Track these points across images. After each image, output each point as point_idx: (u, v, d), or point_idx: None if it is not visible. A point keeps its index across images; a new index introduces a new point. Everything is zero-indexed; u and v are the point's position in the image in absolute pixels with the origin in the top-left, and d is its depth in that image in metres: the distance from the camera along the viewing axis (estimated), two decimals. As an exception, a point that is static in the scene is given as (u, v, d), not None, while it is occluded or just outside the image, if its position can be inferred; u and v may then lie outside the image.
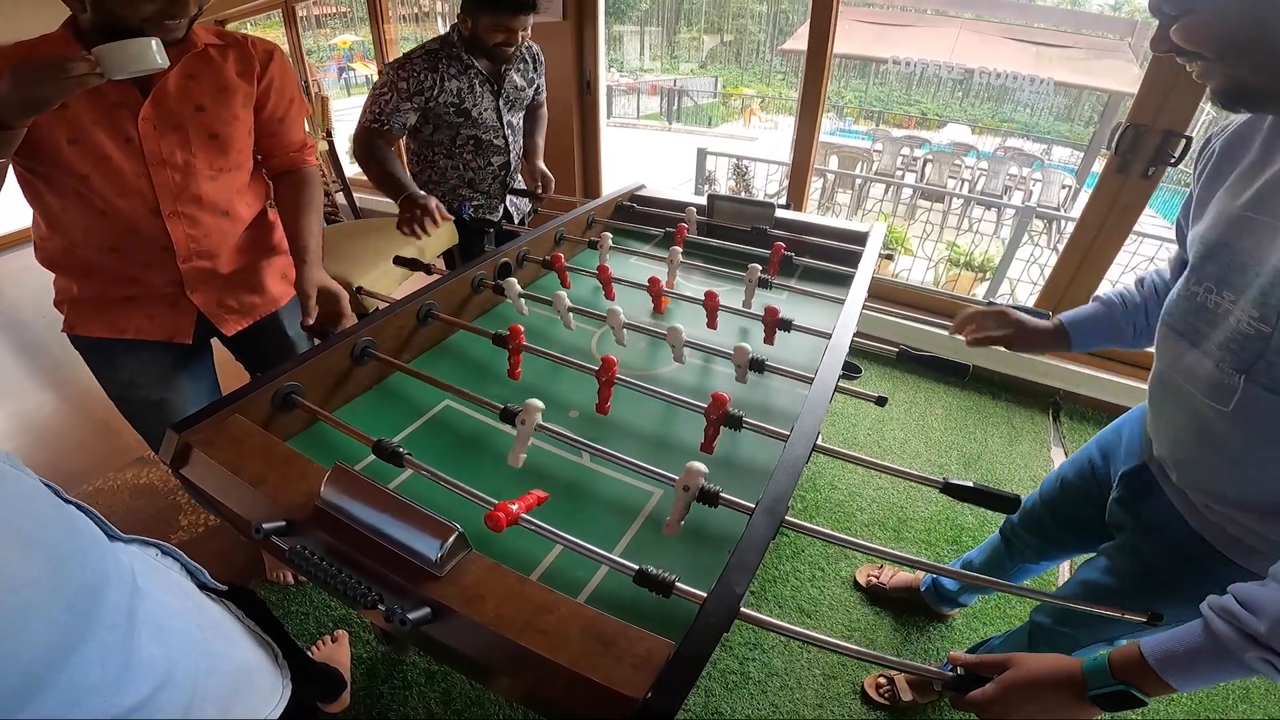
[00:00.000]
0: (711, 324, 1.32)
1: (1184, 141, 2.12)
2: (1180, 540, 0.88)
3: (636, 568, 0.74)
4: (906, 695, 1.51)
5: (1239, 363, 0.71)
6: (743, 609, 0.70)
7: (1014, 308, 1.38)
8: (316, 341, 1.32)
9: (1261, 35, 0.63)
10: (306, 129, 1.43)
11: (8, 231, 4.05)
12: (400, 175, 1.77)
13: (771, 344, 1.29)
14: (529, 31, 1.85)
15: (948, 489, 0.89)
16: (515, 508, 0.77)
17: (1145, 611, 0.73)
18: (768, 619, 0.72)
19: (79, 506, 0.57)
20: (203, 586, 0.75)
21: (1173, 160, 2.16)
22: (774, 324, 1.25)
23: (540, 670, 0.66)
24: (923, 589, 1.72)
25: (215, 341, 1.45)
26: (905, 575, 1.80)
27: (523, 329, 1.17)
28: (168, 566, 0.71)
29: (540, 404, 0.95)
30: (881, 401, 1.08)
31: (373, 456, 0.94)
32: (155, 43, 0.95)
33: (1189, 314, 0.81)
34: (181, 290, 1.26)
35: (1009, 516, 1.39)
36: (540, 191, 2.08)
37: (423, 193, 1.70)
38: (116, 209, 1.14)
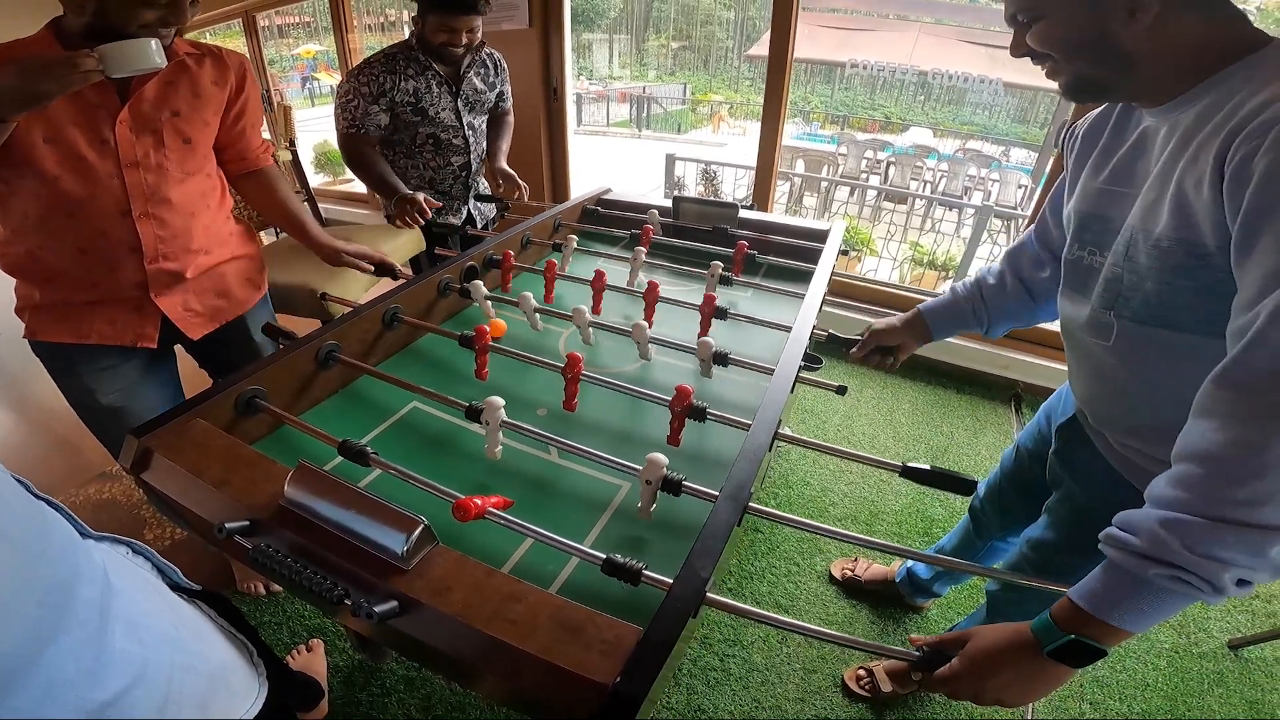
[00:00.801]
0: (647, 316, 1.35)
1: None
2: (1106, 481, 0.95)
3: (604, 557, 0.75)
4: (886, 686, 1.53)
5: (1106, 302, 0.84)
6: (710, 594, 0.71)
7: None
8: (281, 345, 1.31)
9: (1100, 36, 0.74)
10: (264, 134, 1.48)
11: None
12: (391, 178, 1.87)
13: (705, 334, 1.30)
14: (477, 34, 1.88)
15: (906, 473, 0.91)
16: (481, 502, 0.78)
17: (1064, 583, 0.72)
18: (737, 604, 0.73)
19: (49, 502, 0.57)
20: (175, 586, 0.74)
21: None
22: (710, 314, 1.28)
23: (510, 660, 0.66)
24: (898, 580, 1.74)
25: (180, 351, 1.43)
26: (880, 568, 1.82)
27: (488, 330, 1.17)
28: (139, 565, 0.70)
29: (501, 400, 0.97)
30: (841, 390, 1.11)
31: (339, 458, 0.94)
32: (155, 43, 0.99)
33: (1075, 274, 0.93)
34: (146, 294, 1.26)
35: (975, 493, 1.41)
36: (503, 191, 2.09)
37: (410, 192, 1.79)
38: (86, 210, 1.14)
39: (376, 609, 0.66)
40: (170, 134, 1.19)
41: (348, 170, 2.01)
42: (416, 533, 0.72)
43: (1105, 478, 0.96)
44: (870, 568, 1.83)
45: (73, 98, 1.06)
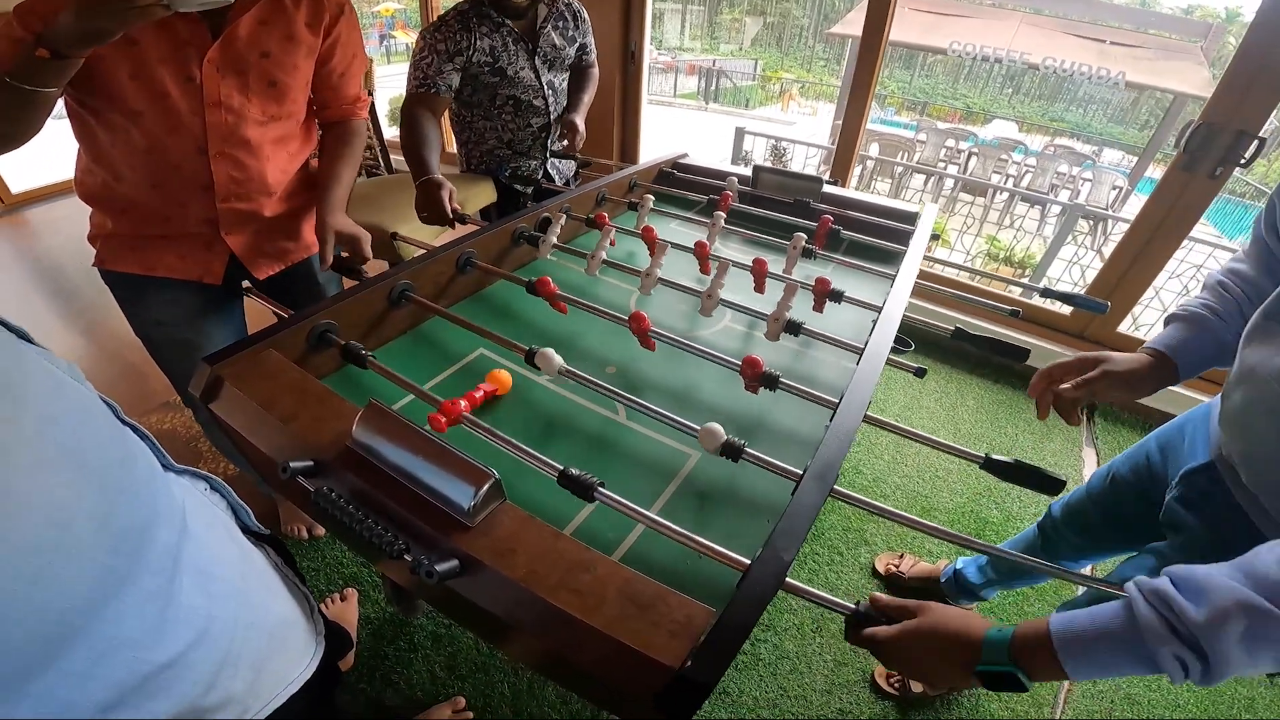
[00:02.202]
0: (759, 288, 1.28)
1: (1256, 143, 2.02)
2: (1244, 543, 0.81)
3: (560, 469, 0.75)
4: (917, 687, 1.48)
5: None
6: (788, 579, 0.66)
7: (1063, 296, 1.30)
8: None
9: None
10: (362, 85, 1.43)
11: (49, 183, 4.11)
12: (427, 157, 1.68)
13: (820, 311, 1.24)
14: None
15: (989, 465, 0.85)
16: (463, 404, 0.79)
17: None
18: (811, 590, 0.68)
19: (135, 429, 0.54)
20: (245, 529, 0.71)
21: (1243, 161, 2.06)
22: (824, 294, 1.20)
23: (570, 632, 0.62)
24: (942, 580, 1.67)
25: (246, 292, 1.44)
26: (925, 565, 1.76)
27: (550, 279, 1.15)
28: (214, 504, 0.68)
29: (554, 353, 0.95)
30: (920, 373, 1.04)
31: (410, 397, 0.92)
32: None
33: None
34: (216, 231, 1.26)
35: (1050, 510, 1.34)
36: (566, 144, 2.01)
37: (438, 177, 1.60)
38: (164, 146, 1.14)
39: (438, 568, 0.63)
40: (256, 76, 1.17)
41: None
42: (486, 487, 0.68)
43: (1247, 537, 0.78)
44: (916, 565, 1.77)
45: (163, 33, 1.05)
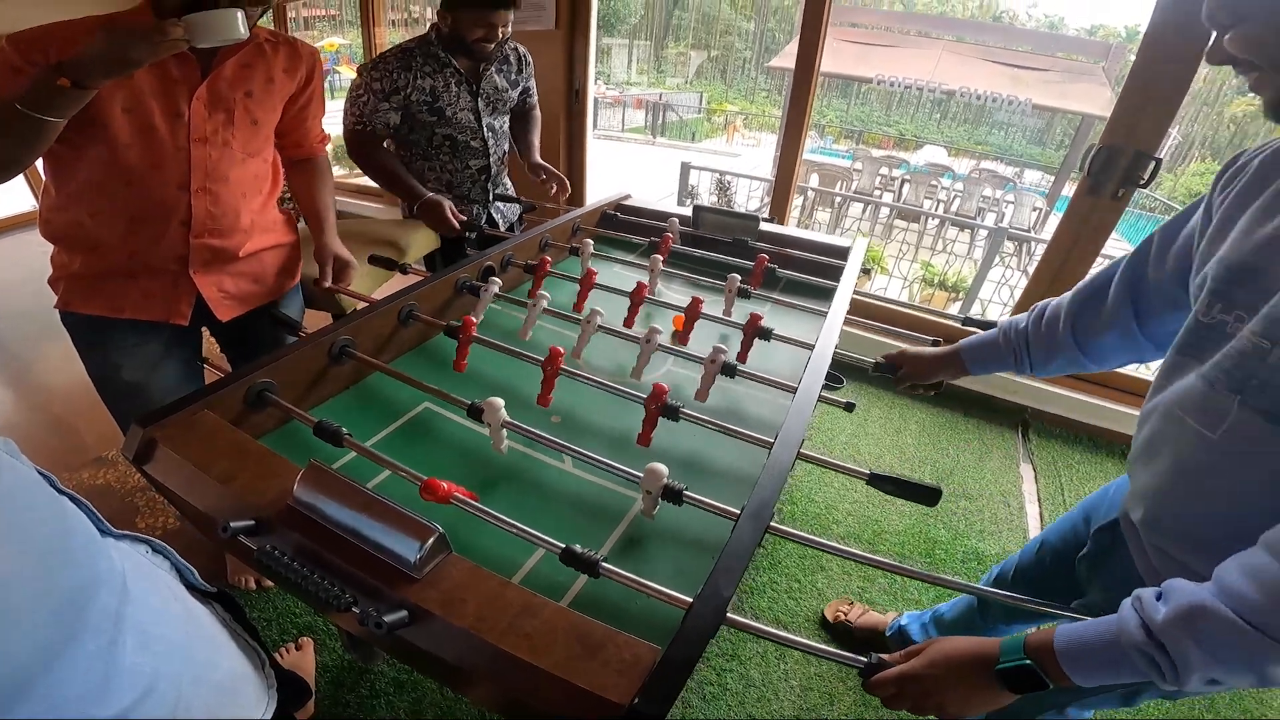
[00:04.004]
0: (683, 340, 1.31)
1: (1153, 163, 2.16)
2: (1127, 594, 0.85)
3: (563, 546, 0.76)
4: None
5: (1232, 382, 0.68)
6: (729, 614, 0.69)
7: (978, 323, 1.38)
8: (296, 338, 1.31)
9: None
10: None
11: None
12: (405, 177, 1.85)
13: (744, 361, 1.27)
14: (509, 29, 1.85)
15: (873, 480, 0.89)
16: (448, 486, 0.80)
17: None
18: (755, 624, 0.72)
19: (73, 499, 0.55)
20: (191, 588, 0.71)
21: (1141, 182, 2.20)
22: (753, 332, 1.25)
23: (522, 675, 0.64)
24: (888, 634, 1.67)
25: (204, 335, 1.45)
26: (874, 617, 1.75)
27: (475, 321, 1.19)
28: (157, 565, 0.68)
29: (500, 401, 0.95)
30: (849, 407, 1.10)
31: (352, 455, 0.92)
32: (240, 15, 1.02)
33: (1197, 339, 0.76)
34: (185, 269, 1.27)
35: (984, 580, 1.35)
36: (548, 184, 2.07)
37: (435, 197, 1.80)
38: (146, 180, 1.17)
39: (386, 619, 0.64)
40: (241, 114, 1.23)
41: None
42: (430, 541, 0.70)
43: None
44: (864, 615, 1.75)
45: (156, 69, 1.10)
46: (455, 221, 1.78)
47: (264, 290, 1.42)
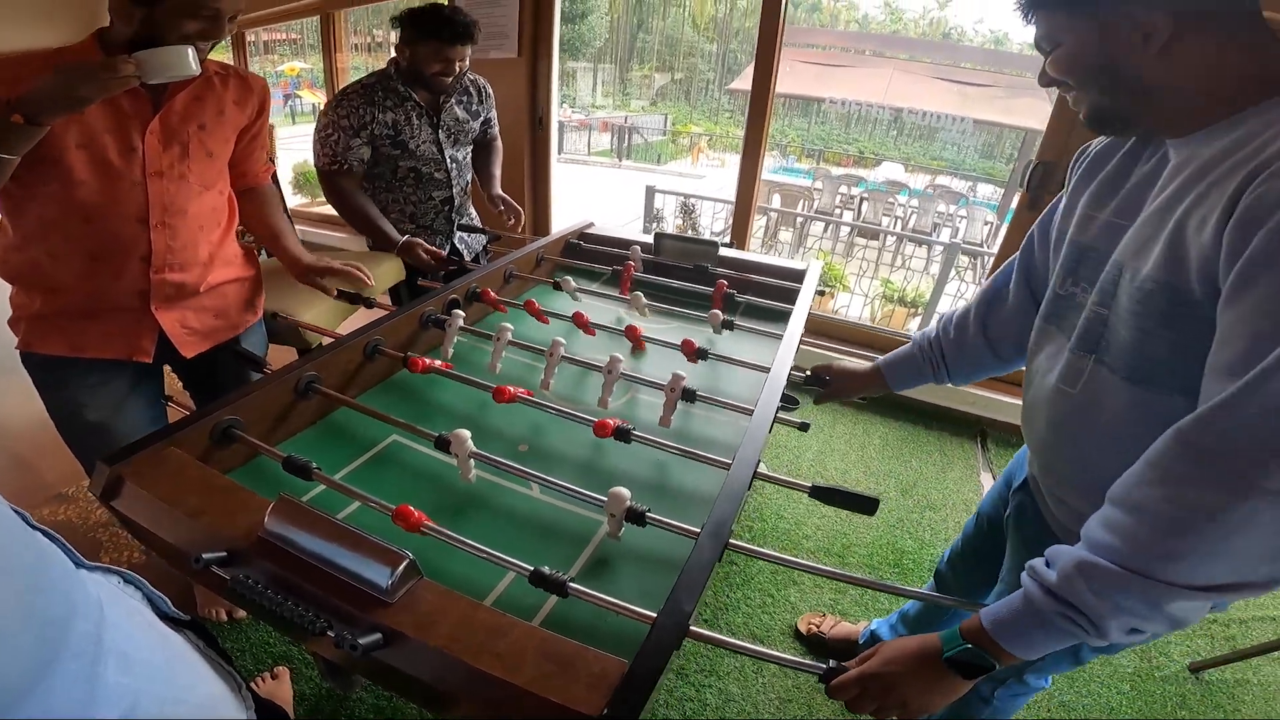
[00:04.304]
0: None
1: None
2: (1044, 546, 0.91)
3: (530, 569, 0.79)
4: None
5: (1085, 344, 0.79)
6: (693, 627, 0.73)
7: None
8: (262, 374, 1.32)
9: (1112, 63, 0.71)
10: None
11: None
12: (379, 221, 1.90)
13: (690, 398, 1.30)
14: (466, 63, 1.88)
15: (814, 492, 0.94)
16: (419, 514, 0.84)
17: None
18: (718, 636, 0.75)
19: (45, 533, 0.56)
20: (163, 616, 0.73)
21: None
22: (693, 353, 1.32)
23: (497, 692, 0.67)
24: (861, 641, 1.71)
25: (166, 372, 1.44)
26: (846, 626, 1.79)
27: (423, 360, 1.23)
28: (129, 595, 0.69)
29: (467, 433, 0.99)
30: (804, 427, 1.15)
31: (321, 487, 0.94)
32: (191, 51, 1.03)
33: (1059, 310, 0.87)
34: (146, 306, 1.27)
35: (939, 564, 1.40)
36: (506, 215, 2.11)
37: (410, 240, 1.87)
38: (104, 215, 1.17)
39: (361, 641, 0.66)
40: (195, 146, 1.24)
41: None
42: (402, 566, 0.72)
43: (1046, 541, 0.88)
44: (836, 626, 1.79)
45: (108, 105, 1.11)
46: (430, 258, 1.84)
47: (227, 325, 1.43)
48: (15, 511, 0.52)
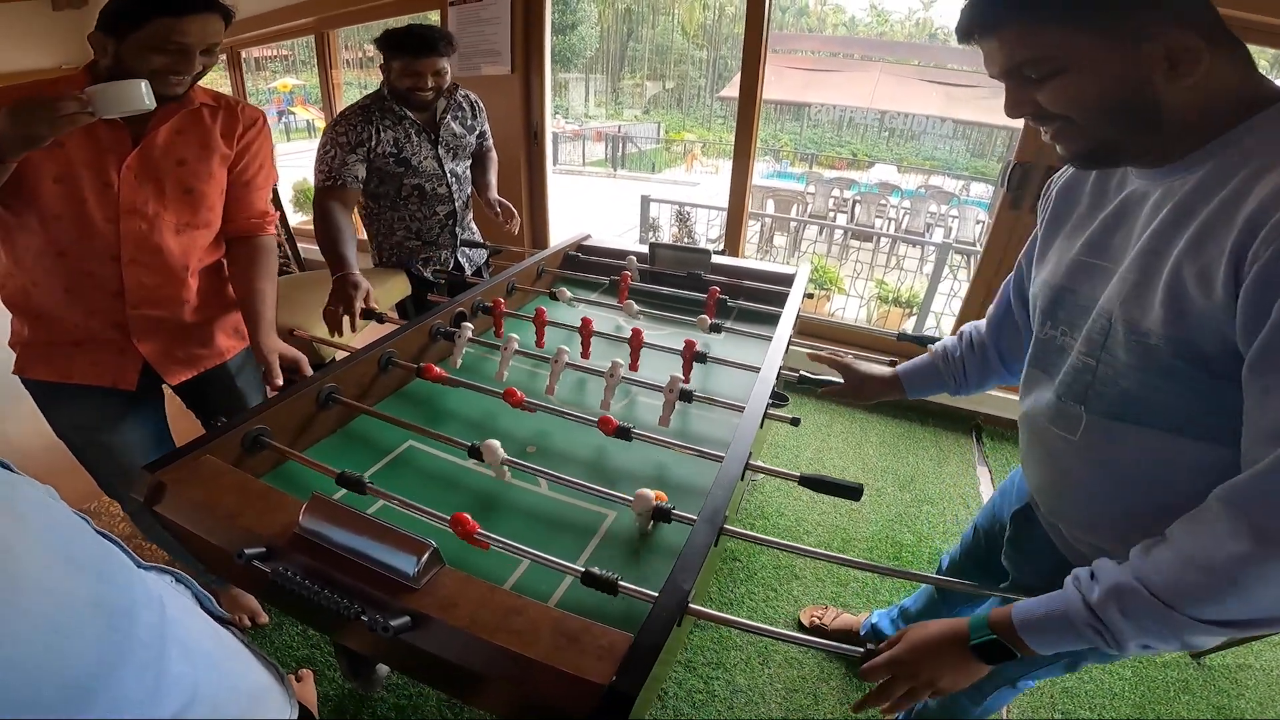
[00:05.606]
0: (632, 364, 1.43)
1: None
2: (1051, 569, 0.87)
3: (583, 570, 0.84)
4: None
5: (1075, 394, 0.79)
6: (692, 605, 0.80)
7: (913, 338, 1.51)
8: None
9: (1137, 93, 0.63)
10: (270, 200, 1.48)
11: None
12: (344, 250, 1.73)
13: (687, 381, 1.39)
14: (445, 76, 1.90)
15: (803, 481, 1.01)
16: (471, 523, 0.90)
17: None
18: (717, 614, 0.83)
19: (106, 536, 0.63)
20: (209, 614, 0.80)
21: None
22: (691, 356, 1.38)
23: (515, 666, 0.74)
24: (862, 633, 1.75)
25: (167, 390, 1.47)
26: (848, 618, 1.83)
27: (436, 367, 1.30)
28: (181, 593, 0.76)
29: (497, 442, 1.06)
30: (795, 422, 1.22)
31: (343, 491, 1.02)
32: (144, 85, 1.00)
33: (1044, 354, 0.87)
34: (127, 337, 1.29)
35: (939, 566, 1.44)
36: (503, 218, 2.15)
37: (356, 275, 1.63)
38: (77, 250, 1.18)
39: (392, 623, 0.74)
40: (172, 184, 1.22)
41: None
42: (426, 555, 0.80)
43: (1053, 563, 0.93)
44: (838, 618, 1.84)
45: (87, 137, 1.11)
46: (355, 312, 1.55)
47: (212, 353, 1.43)
48: (80, 516, 0.59)
